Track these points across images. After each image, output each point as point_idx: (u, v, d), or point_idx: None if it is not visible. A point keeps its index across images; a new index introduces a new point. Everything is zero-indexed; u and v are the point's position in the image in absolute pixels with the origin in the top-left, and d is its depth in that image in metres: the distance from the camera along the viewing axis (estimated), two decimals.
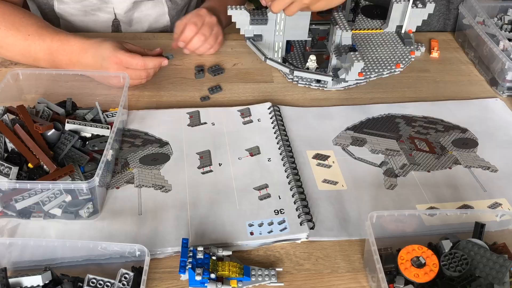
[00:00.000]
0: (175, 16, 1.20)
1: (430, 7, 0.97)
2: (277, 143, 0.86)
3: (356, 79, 0.94)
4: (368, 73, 0.94)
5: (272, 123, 0.90)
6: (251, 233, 0.71)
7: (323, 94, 0.99)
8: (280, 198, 0.76)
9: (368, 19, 1.05)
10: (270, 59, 0.97)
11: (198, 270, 0.62)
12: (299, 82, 1.00)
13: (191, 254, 0.64)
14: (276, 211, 0.74)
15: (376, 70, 0.95)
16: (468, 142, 0.89)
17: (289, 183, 0.79)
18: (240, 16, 0.96)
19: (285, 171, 0.81)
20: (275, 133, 0.88)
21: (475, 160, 0.85)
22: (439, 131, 0.91)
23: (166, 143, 0.85)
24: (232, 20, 0.97)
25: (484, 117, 0.95)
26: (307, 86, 1.00)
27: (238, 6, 0.96)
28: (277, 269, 0.66)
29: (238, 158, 0.83)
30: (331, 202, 0.77)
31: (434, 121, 0.93)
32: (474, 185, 0.81)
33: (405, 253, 0.63)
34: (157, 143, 0.85)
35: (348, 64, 0.90)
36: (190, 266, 0.63)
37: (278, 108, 0.93)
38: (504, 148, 0.88)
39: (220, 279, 0.63)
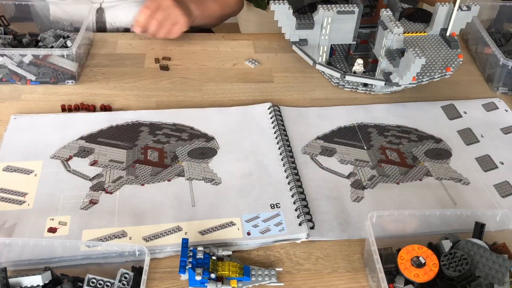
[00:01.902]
0: None
1: (475, 10, 0.95)
2: (277, 143, 0.86)
3: (409, 83, 0.92)
4: (420, 76, 0.92)
5: (272, 123, 0.90)
6: (248, 233, 0.71)
7: (323, 94, 0.99)
8: (279, 205, 0.76)
9: (411, 22, 1.05)
10: (319, 63, 0.97)
11: (198, 270, 0.62)
12: (345, 86, 1.00)
13: (191, 254, 0.64)
14: (272, 205, 0.75)
15: (428, 74, 0.92)
16: (441, 153, 0.87)
17: (288, 183, 0.79)
18: (286, 21, 0.94)
19: (285, 171, 0.81)
20: (275, 133, 0.88)
21: (447, 171, 0.83)
22: (412, 141, 0.89)
23: (212, 138, 0.86)
24: (279, 25, 0.95)
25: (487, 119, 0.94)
26: (353, 90, 1.00)
27: (283, 10, 0.93)
28: (277, 269, 0.66)
29: (236, 159, 0.83)
30: (332, 203, 0.76)
31: (408, 130, 0.92)
32: (444, 198, 0.79)
33: (405, 253, 0.63)
34: (203, 138, 0.86)
35: (404, 67, 0.88)
36: (190, 266, 0.63)
37: (279, 108, 0.94)
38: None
39: (220, 279, 0.63)
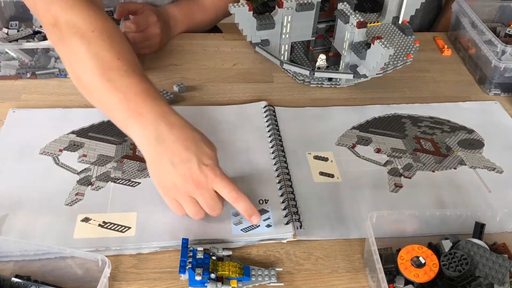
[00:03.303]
0: None
1: None
2: (270, 142, 0.86)
3: (376, 73, 0.94)
4: (385, 66, 0.94)
5: (266, 121, 0.90)
6: (235, 225, 0.71)
7: (323, 94, 0.99)
8: (267, 200, 0.76)
9: (362, 13, 1.06)
10: (286, 63, 0.97)
11: (198, 270, 0.62)
12: (311, 82, 1.00)
13: (191, 254, 0.64)
14: (260, 201, 0.75)
15: (392, 63, 0.95)
16: (474, 143, 0.89)
17: (278, 182, 0.79)
18: (247, 23, 0.95)
19: (276, 170, 0.81)
20: (268, 131, 0.88)
21: (481, 161, 0.85)
22: (445, 132, 0.91)
23: None
24: (239, 28, 0.97)
25: (484, 120, 0.95)
26: (319, 85, 1.00)
27: (243, 12, 0.94)
28: (277, 269, 0.66)
29: (227, 157, 0.83)
30: (324, 202, 0.76)
31: (440, 121, 0.93)
32: (479, 185, 0.81)
33: (405, 253, 0.63)
34: None
35: (372, 59, 0.90)
36: (190, 266, 0.63)
37: (273, 108, 0.94)
38: (509, 150, 0.88)
39: (220, 279, 0.63)
